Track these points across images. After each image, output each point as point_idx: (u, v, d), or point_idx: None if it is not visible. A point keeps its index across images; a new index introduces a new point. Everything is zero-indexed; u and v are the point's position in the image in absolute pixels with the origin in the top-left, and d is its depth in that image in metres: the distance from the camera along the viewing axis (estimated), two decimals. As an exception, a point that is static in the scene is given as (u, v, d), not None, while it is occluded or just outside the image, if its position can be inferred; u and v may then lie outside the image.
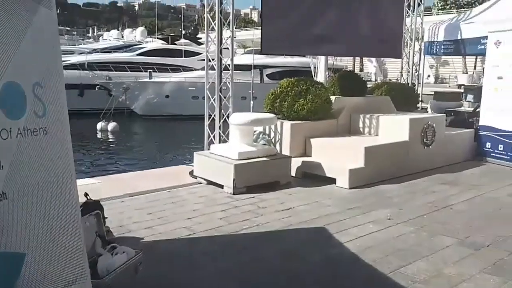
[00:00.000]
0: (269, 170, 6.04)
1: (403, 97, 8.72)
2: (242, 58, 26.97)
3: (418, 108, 9.70)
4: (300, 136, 6.83)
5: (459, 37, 8.98)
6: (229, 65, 6.70)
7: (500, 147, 7.70)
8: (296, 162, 6.62)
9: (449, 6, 49.24)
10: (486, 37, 8.06)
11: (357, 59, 45.09)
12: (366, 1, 7.94)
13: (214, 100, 6.72)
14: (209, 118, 6.89)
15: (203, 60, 26.72)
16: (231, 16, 6.59)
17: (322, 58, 8.42)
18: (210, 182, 6.09)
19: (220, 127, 6.79)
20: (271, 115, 6.35)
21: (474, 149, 8.11)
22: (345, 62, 38.86)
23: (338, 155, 6.49)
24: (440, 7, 48.66)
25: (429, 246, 4.08)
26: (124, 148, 17.91)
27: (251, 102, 7.81)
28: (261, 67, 26.08)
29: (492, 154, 7.86)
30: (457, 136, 7.91)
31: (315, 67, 8.60)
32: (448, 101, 9.51)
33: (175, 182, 6.21)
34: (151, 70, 25.34)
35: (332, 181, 6.22)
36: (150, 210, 5.04)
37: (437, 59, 41.77)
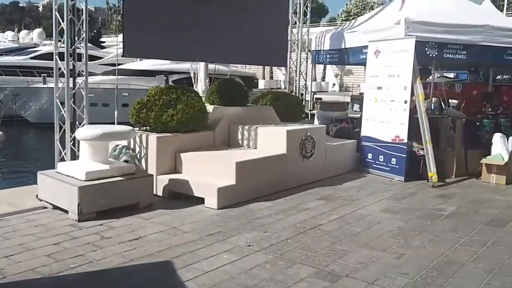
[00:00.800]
0: (126, 191, 5.28)
1: (288, 107, 8.39)
2: (143, 63, 25.87)
3: (306, 118, 9.47)
4: (168, 150, 6.14)
5: (343, 46, 8.85)
6: (83, 71, 5.86)
7: (381, 158, 7.59)
8: (163, 180, 5.94)
9: (352, 17, 51.43)
10: (367, 47, 7.96)
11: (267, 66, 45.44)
12: (248, 9, 7.42)
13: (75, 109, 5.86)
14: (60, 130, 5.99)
15: (105, 64, 25.05)
16: (84, 15, 5.77)
17: (202, 64, 7.82)
18: (56, 207, 5.21)
19: (73, 141, 5.91)
20: (127, 128, 5.59)
21: (357, 160, 7.95)
22: (255, 69, 38.96)
23: (209, 171, 5.90)
24: (343, 18, 50.60)
25: (282, 280, 3.58)
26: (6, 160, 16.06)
27: (115, 112, 6.99)
28: (167, 73, 25.12)
29: (373, 165, 7.72)
30: (339, 147, 7.68)
31: (194, 73, 7.97)
32: (334, 111, 9.37)
33: (14, 206, 5.24)
34: (45, 75, 23.46)
35: (202, 200, 5.62)
36: (-42, 248, 4.08)
37: (341, 68, 43.29)
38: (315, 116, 9.63)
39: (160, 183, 5.95)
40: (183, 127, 6.29)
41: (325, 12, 71.21)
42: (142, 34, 6.10)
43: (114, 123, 6.57)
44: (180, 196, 5.78)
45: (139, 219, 5.03)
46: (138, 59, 22.75)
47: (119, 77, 21.05)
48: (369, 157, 7.81)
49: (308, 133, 6.80)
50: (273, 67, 47.55)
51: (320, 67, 39.39)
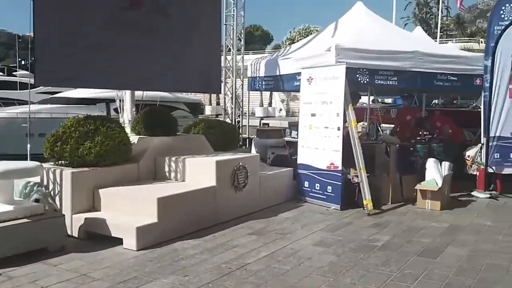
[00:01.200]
0: (33, 234, 4.70)
1: (222, 135, 8.08)
2: (83, 91, 24.87)
3: (243, 146, 9.18)
4: (85, 186, 5.62)
5: (277, 73, 8.71)
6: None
7: (317, 186, 7.37)
8: (79, 220, 5.41)
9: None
10: (300, 73, 7.83)
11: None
12: (173, 34, 7.12)
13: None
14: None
15: (43, 93, 23.72)
16: None
17: (128, 91, 7.40)
18: None
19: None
20: (34, 163, 5.04)
21: (294, 188, 7.71)
22: (201, 96, 38.60)
23: (130, 209, 5.43)
24: (287, 46, 51.51)
25: (195, 335, 3.17)
26: None
27: (28, 145, 6.40)
28: (108, 101, 24.28)
29: (310, 193, 7.50)
30: (274, 176, 7.41)
31: (120, 101, 7.52)
32: (270, 138, 9.15)
33: None
34: None
35: (121, 241, 5.12)
36: None
37: (287, 94, 43.80)
38: (252, 144, 9.38)
39: (76, 222, 5.41)
40: (102, 160, 5.81)
41: (270, 39, 72.49)
42: (55, 61, 5.63)
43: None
44: (98, 237, 5.26)
45: (45, 266, 4.48)
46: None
47: (57, 105, 20.07)
48: (305, 185, 7.58)
49: (241, 163, 6.48)
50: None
51: (266, 93, 39.84)
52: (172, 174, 6.44)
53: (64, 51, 5.76)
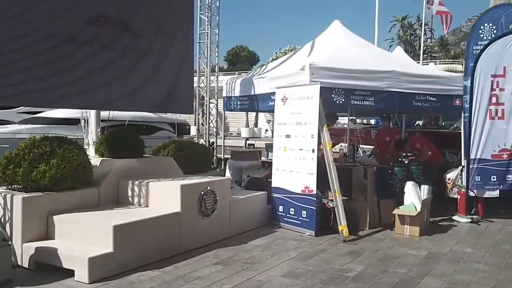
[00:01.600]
0: (-28, 267, 4.30)
1: (194, 157, 7.75)
2: (64, 111, 24.33)
3: (217, 168, 8.84)
4: (38, 212, 5.22)
5: (252, 93, 8.43)
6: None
7: (292, 211, 7.04)
8: (29, 249, 4.99)
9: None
10: (275, 93, 7.56)
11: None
12: (143, 53, 6.77)
13: None
14: None
15: (24, 112, 22.97)
16: None
17: (93, 111, 7.05)
18: None
19: None
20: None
21: (268, 213, 7.36)
22: (186, 116, 38.27)
23: (85, 237, 5.04)
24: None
25: None
26: None
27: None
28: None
29: (284, 218, 7.15)
30: (247, 200, 7.06)
31: (85, 121, 7.16)
32: (245, 160, 8.83)
33: None
34: None
35: (73, 273, 4.71)
36: None
37: (273, 114, 43.67)
38: (227, 166, 9.05)
39: (27, 252, 5.00)
40: (58, 184, 5.43)
41: (256, 60, 72.75)
42: (8, 79, 5.27)
43: None
44: (50, 268, 4.84)
45: (-17, 303, 4.06)
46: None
47: (38, 125, 19.62)
48: (280, 210, 7.24)
49: (209, 187, 6.12)
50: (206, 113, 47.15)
51: (252, 114, 39.65)
52: (136, 199, 6.06)
53: (17, 68, 5.38)
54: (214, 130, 9.00)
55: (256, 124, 43.50)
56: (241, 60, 68.33)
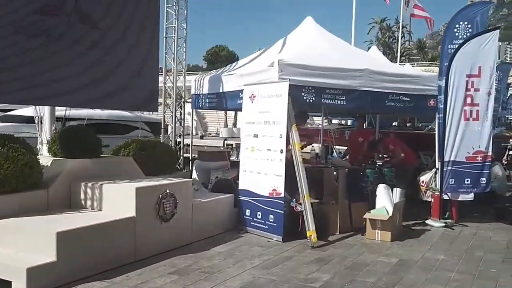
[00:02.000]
0: None
1: (157, 157, 7.33)
2: (25, 109, 23.50)
3: (184, 169, 8.44)
4: (-25, 217, 4.76)
5: (221, 90, 8.05)
6: None
7: (259, 215, 6.68)
8: (-38, 258, 4.52)
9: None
10: (243, 91, 7.20)
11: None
12: (103, 46, 6.32)
13: None
14: None
15: None
16: None
17: (46, 107, 6.57)
18: None
19: None
20: None
21: (235, 217, 6.99)
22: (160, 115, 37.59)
23: (28, 245, 4.59)
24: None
25: None
26: None
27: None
28: (65, 119, 23.01)
29: (251, 222, 6.79)
30: (211, 203, 6.67)
31: (39, 117, 6.68)
32: (213, 161, 8.45)
33: None
34: None
35: (10, 285, 4.27)
36: None
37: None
38: (193, 167, 8.64)
39: (-40, 262, 4.53)
40: (1, 186, 4.96)
41: (235, 59, 72.09)
42: None
43: None
44: (-15, 279, 4.39)
45: None
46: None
47: (10, 124, 18.89)
48: (247, 213, 6.88)
49: (168, 190, 5.71)
50: (184, 112, 46.36)
51: (231, 113, 39.17)
52: (89, 203, 5.62)
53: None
54: (183, 129, 8.55)
55: (235, 124, 43.06)
56: (221, 60, 67.80)
